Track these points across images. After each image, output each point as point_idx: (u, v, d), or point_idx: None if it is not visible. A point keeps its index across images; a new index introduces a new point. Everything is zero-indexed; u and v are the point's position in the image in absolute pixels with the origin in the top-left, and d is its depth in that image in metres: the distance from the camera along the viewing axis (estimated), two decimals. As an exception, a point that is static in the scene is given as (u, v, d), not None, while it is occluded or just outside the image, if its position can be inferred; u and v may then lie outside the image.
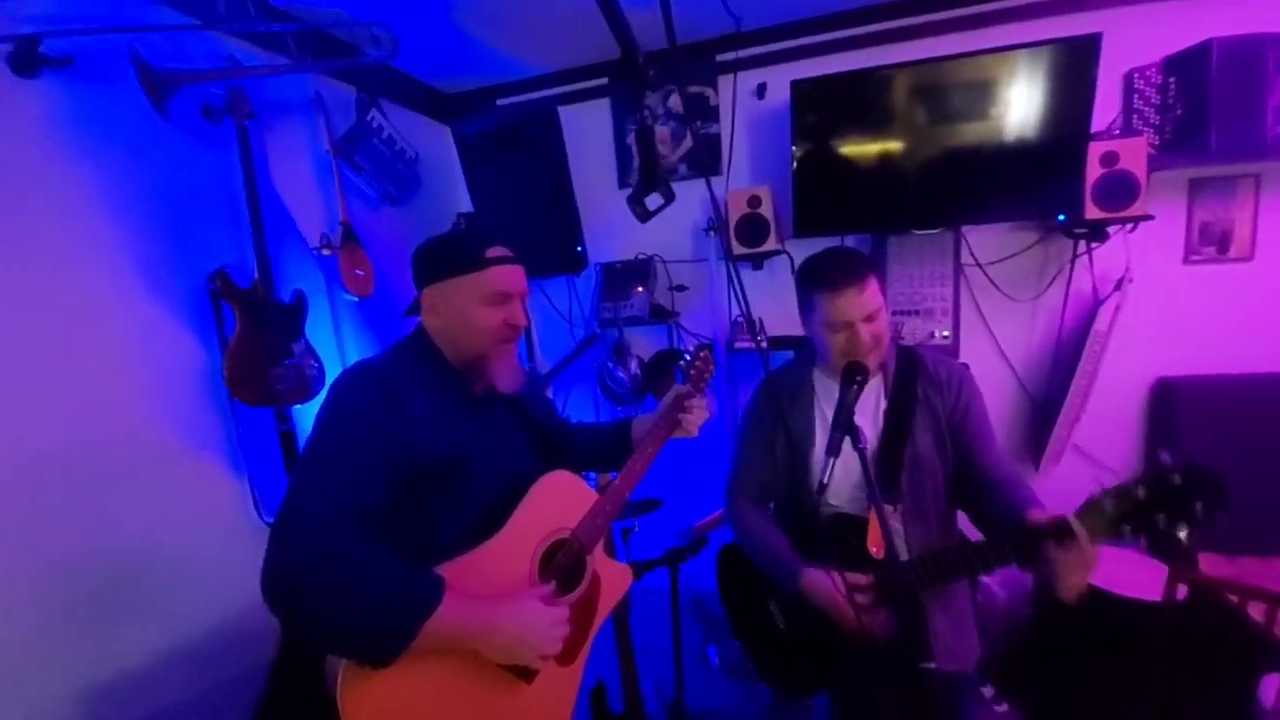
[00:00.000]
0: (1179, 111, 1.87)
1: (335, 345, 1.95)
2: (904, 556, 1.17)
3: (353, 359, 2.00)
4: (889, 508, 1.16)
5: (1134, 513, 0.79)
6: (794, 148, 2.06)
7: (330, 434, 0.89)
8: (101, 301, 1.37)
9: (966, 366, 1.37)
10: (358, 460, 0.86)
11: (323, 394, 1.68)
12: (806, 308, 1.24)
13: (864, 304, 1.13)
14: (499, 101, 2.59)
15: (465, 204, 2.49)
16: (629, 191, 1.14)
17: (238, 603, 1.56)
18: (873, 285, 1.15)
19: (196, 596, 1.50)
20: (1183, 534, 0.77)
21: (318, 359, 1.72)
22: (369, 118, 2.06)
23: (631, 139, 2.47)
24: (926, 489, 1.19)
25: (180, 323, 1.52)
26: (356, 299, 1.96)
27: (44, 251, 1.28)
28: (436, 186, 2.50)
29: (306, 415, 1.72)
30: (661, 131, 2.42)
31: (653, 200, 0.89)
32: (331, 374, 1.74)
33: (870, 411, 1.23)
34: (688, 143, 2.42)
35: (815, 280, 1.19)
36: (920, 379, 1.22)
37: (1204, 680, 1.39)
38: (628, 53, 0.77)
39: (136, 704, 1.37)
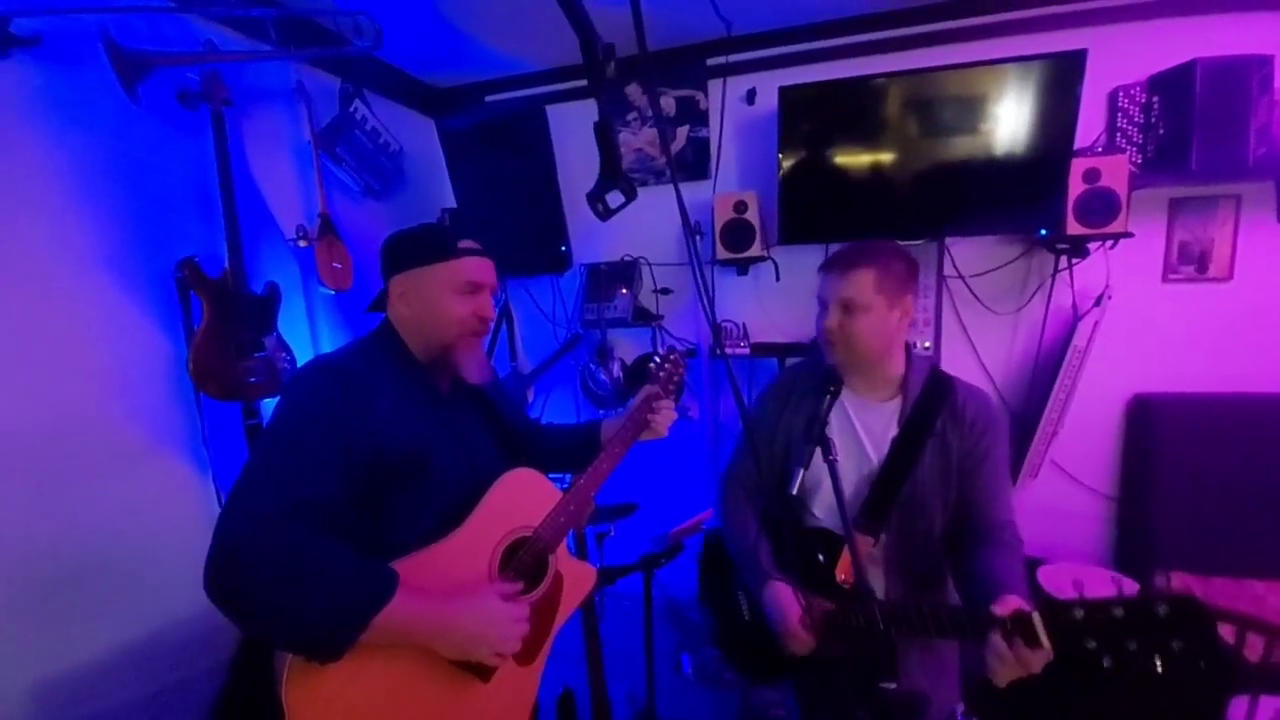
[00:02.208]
0: (1161, 130, 1.88)
1: (310, 339, 1.91)
2: (880, 591, 1.13)
3: (327, 353, 1.97)
4: (868, 538, 1.11)
5: (1104, 630, 0.73)
6: (780, 154, 2.05)
7: (283, 426, 0.88)
8: (62, 288, 1.33)
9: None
10: (310, 453, 0.84)
11: (289, 389, 1.66)
12: None
13: (842, 288, 1.09)
14: (487, 98, 2.56)
15: (450, 200, 2.46)
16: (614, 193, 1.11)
17: (199, 601, 1.49)
18: (862, 276, 1.08)
19: (156, 593, 1.46)
20: (1158, 664, 0.70)
21: (290, 353, 1.68)
22: (352, 109, 2.03)
23: (621, 139, 2.45)
24: (918, 529, 1.11)
25: (145, 312, 1.48)
26: (333, 292, 1.92)
27: (4, 235, 1.24)
28: (421, 181, 2.46)
29: (275, 410, 1.69)
30: (650, 133, 2.41)
31: (613, 198, 0.87)
32: (303, 369, 1.71)
33: (878, 434, 1.15)
34: (677, 145, 2.40)
35: (825, 259, 1.18)
36: (944, 412, 1.12)
37: (1173, 700, 1.39)
38: (586, 44, 0.75)
39: (93, 700, 1.33)
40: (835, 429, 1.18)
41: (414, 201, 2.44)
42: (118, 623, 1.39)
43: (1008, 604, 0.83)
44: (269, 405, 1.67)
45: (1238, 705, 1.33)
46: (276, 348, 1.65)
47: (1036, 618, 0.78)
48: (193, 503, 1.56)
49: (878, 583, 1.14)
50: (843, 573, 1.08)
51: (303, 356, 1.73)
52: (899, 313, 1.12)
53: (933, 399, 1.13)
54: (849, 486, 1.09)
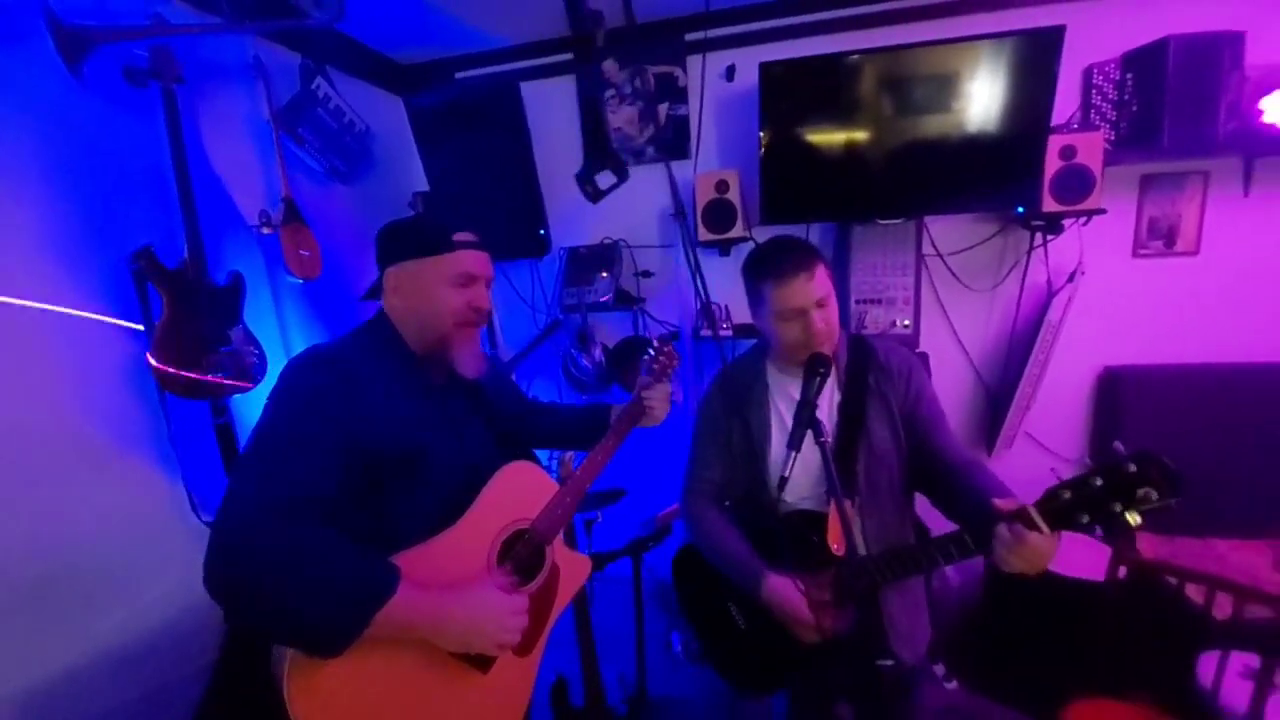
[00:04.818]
0: (1135, 108, 1.90)
1: (278, 331, 1.83)
2: (862, 550, 1.16)
3: (297, 345, 1.89)
4: (847, 502, 1.13)
5: (1091, 502, 0.81)
6: (762, 133, 2.02)
7: (279, 420, 0.86)
8: (10, 282, 1.24)
9: (922, 354, 1.35)
10: (308, 447, 0.83)
11: (266, 381, 1.59)
12: (756, 301, 1.22)
13: (814, 290, 1.12)
14: (458, 75, 2.46)
15: (421, 182, 2.38)
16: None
17: (175, 605, 1.46)
18: (821, 271, 1.14)
19: (129, 600, 1.40)
20: (1137, 520, 0.79)
21: (258, 346, 1.61)
22: (314, 86, 1.92)
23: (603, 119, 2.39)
24: (882, 480, 1.19)
25: (99, 306, 1.38)
26: (301, 281, 1.84)
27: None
28: (390, 163, 2.36)
29: (247, 406, 1.62)
30: (629, 112, 2.35)
31: (604, 178, 0.83)
32: (274, 361, 1.64)
33: (825, 404, 1.21)
34: (656, 124, 2.35)
35: (763, 271, 1.17)
36: (872, 369, 1.21)
37: (1144, 657, 1.46)
38: (574, 12, 0.71)
39: (71, 710, 1.27)
40: (785, 412, 1.23)
41: (383, 184, 2.34)
42: (92, 631, 1.33)
43: (1005, 503, 0.90)
44: (240, 402, 1.60)
45: (1207, 661, 1.40)
46: (243, 341, 1.58)
47: (1032, 508, 0.85)
48: (163, 505, 1.48)
49: (858, 542, 1.16)
50: (834, 541, 1.10)
51: (271, 349, 1.65)
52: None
53: (859, 359, 1.22)
54: (814, 459, 1.12)
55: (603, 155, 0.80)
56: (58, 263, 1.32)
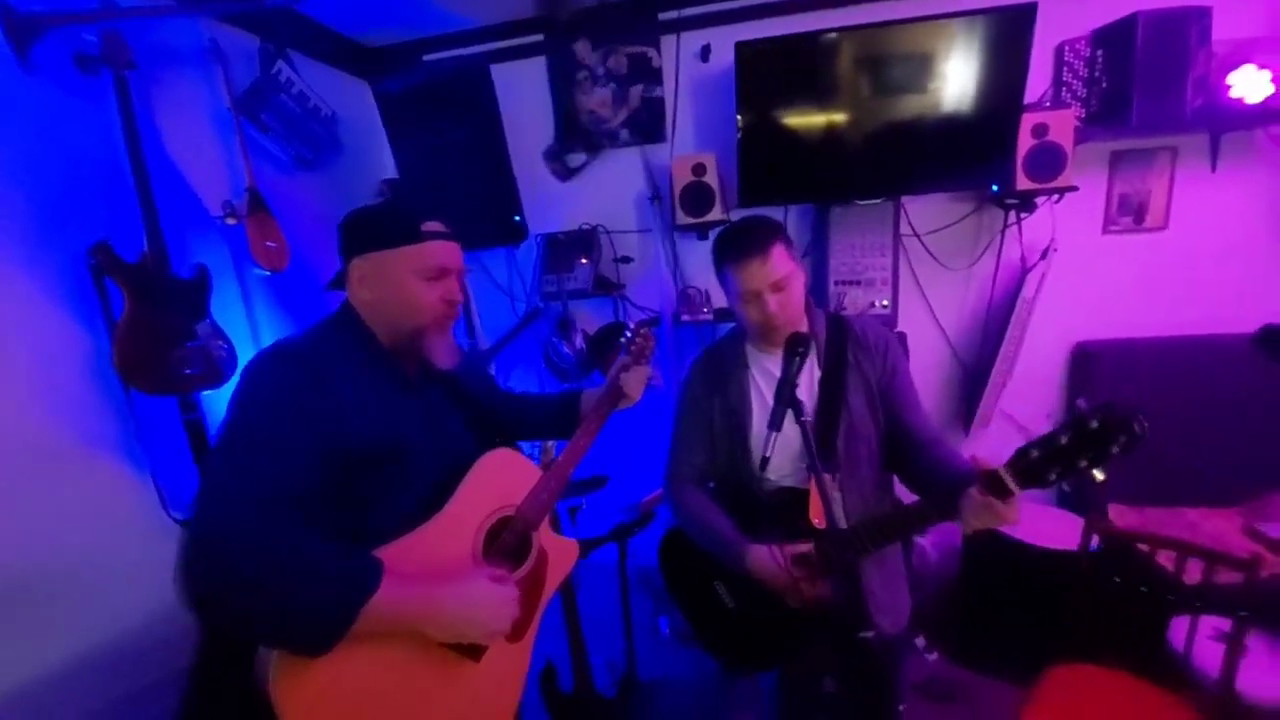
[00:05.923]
0: (1104, 84, 1.91)
1: (247, 324, 1.78)
2: (843, 524, 1.17)
3: (267, 338, 1.84)
4: (828, 476, 1.14)
5: (1059, 458, 0.83)
6: (739, 115, 2.00)
7: (248, 419, 0.83)
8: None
9: (897, 333, 1.36)
10: (280, 445, 0.80)
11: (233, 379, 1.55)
12: (723, 283, 1.23)
13: (769, 273, 1.12)
14: (425, 57, 2.39)
15: (390, 169, 2.32)
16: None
17: (147, 607, 1.43)
18: (779, 253, 1.14)
19: (99, 603, 1.37)
20: (1100, 474, 0.81)
21: (227, 340, 1.57)
22: (275, 71, 1.86)
23: (576, 101, 2.34)
24: (861, 454, 1.21)
25: (57, 303, 1.33)
26: (269, 273, 1.79)
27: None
28: (358, 150, 2.30)
29: (217, 401, 1.58)
30: (602, 94, 2.31)
31: (574, 158, 0.81)
32: (244, 355, 1.60)
33: (805, 380, 1.22)
34: (631, 105, 2.31)
35: (723, 253, 1.19)
36: (850, 345, 1.23)
37: (1118, 623, 1.50)
38: None
39: (42, 718, 1.25)
40: (766, 390, 1.24)
41: (351, 172, 2.28)
42: (61, 637, 1.30)
43: (977, 469, 0.92)
44: (211, 398, 1.56)
45: (1178, 625, 1.44)
46: (211, 335, 1.53)
47: (1004, 470, 0.87)
48: (133, 504, 1.45)
49: (839, 517, 1.17)
50: (815, 516, 1.11)
51: (240, 343, 1.61)
52: (802, 270, 1.21)
53: (838, 336, 1.24)
54: (794, 435, 1.11)
55: (572, 133, 0.78)
56: (10, 258, 1.27)
